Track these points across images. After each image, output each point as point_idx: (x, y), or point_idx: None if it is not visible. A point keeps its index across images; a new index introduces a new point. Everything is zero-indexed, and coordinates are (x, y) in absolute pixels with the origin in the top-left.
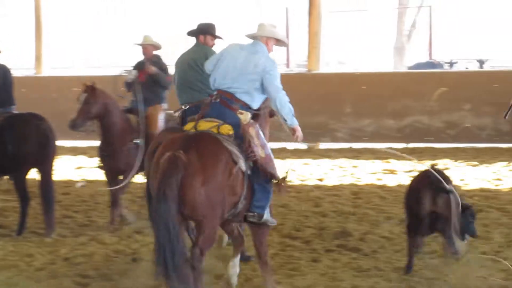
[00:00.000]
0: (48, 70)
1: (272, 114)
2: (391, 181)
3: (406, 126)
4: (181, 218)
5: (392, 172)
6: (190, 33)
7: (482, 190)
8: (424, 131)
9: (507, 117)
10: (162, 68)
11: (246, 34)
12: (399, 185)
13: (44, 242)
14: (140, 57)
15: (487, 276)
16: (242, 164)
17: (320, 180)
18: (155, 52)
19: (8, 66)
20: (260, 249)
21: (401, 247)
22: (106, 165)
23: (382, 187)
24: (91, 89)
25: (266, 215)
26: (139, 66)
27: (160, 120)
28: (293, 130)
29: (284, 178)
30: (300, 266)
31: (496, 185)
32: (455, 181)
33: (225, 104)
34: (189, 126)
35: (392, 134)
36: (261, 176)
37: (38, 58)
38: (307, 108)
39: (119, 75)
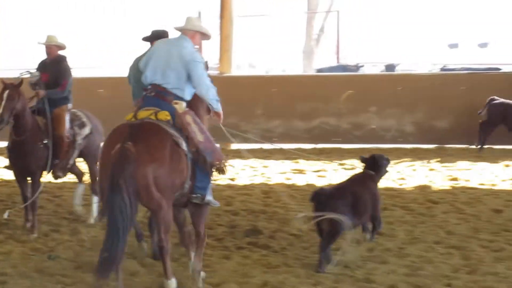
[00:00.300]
0: None
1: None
2: (299, 181)
3: (315, 127)
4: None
5: (301, 171)
6: (145, 39)
7: (387, 189)
8: (332, 132)
9: (482, 113)
10: (63, 69)
11: (175, 26)
12: (308, 185)
13: None
14: (44, 56)
15: (391, 271)
16: (184, 146)
17: (232, 179)
18: (60, 52)
19: None
20: (199, 229)
21: (309, 244)
22: (16, 166)
23: (291, 186)
24: (12, 86)
25: (208, 196)
26: (42, 66)
27: (67, 121)
28: (217, 115)
29: (223, 160)
30: (212, 263)
31: (400, 184)
32: None
33: (159, 96)
34: (129, 116)
35: (301, 135)
36: (201, 159)
37: None
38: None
39: (21, 76)
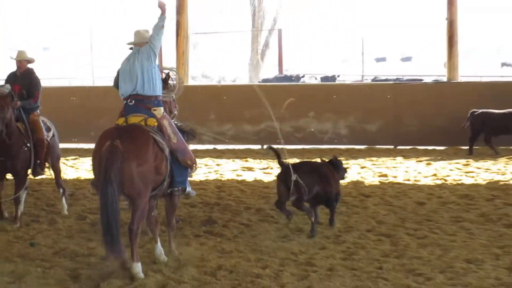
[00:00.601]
0: None
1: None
2: (249, 177)
3: (261, 130)
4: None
5: (250, 169)
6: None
7: None
8: (276, 134)
9: (466, 126)
10: (34, 81)
11: (127, 42)
12: (256, 180)
13: None
14: (13, 69)
15: (330, 256)
16: (166, 150)
17: (190, 176)
18: (28, 66)
19: None
20: (171, 215)
21: (258, 232)
22: (2, 168)
23: (242, 182)
24: (1, 98)
25: (188, 188)
26: (13, 78)
27: (42, 125)
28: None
29: (193, 159)
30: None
31: None
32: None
33: (139, 104)
34: (120, 121)
35: (250, 137)
36: (175, 158)
37: None
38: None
39: None
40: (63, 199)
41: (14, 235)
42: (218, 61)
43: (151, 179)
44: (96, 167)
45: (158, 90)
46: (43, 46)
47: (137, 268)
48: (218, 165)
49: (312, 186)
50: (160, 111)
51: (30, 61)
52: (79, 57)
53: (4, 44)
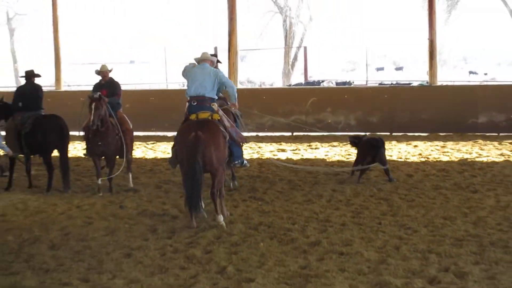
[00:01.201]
0: (64, 87)
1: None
2: (282, 156)
3: (292, 121)
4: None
5: (283, 150)
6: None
7: (339, 161)
8: (302, 124)
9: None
10: (116, 85)
11: (194, 57)
12: (287, 158)
13: (63, 196)
14: (97, 79)
15: (343, 215)
16: (227, 136)
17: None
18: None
19: (40, 85)
20: (220, 184)
21: (288, 197)
22: (96, 149)
23: (277, 160)
24: (97, 99)
25: (245, 162)
26: (99, 87)
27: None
28: (233, 105)
29: (243, 138)
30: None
31: (347, 158)
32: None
33: (200, 103)
34: (193, 117)
35: (283, 126)
36: (231, 138)
37: (57, 79)
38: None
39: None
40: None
41: (108, 200)
42: (259, 70)
43: (223, 157)
44: (183, 151)
45: (215, 95)
46: (130, 59)
47: (220, 218)
48: (259, 147)
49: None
50: (215, 106)
51: (110, 70)
52: (156, 68)
53: (93, 59)
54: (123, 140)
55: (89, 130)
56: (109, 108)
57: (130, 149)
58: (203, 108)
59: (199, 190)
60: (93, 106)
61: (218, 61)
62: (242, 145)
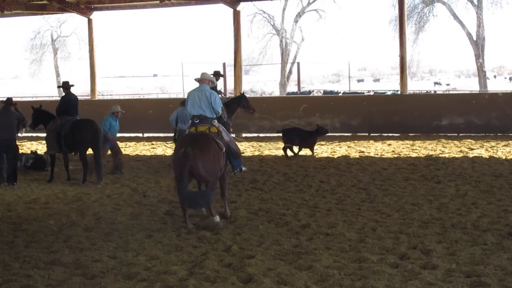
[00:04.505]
0: (98, 97)
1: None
2: (279, 153)
3: (286, 125)
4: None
5: (279, 149)
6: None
7: (325, 157)
8: (296, 126)
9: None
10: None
11: (194, 78)
12: (283, 155)
13: (96, 187)
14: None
15: (328, 202)
16: (224, 148)
17: (242, 153)
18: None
19: (76, 94)
20: (224, 187)
21: (283, 187)
22: None
23: (274, 156)
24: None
25: (243, 168)
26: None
27: None
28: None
29: (239, 152)
30: (231, 198)
31: (332, 154)
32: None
33: (203, 121)
34: (192, 129)
35: (279, 128)
36: (231, 151)
37: (93, 90)
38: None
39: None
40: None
41: (132, 188)
42: (260, 81)
43: (214, 168)
44: (175, 165)
45: (213, 115)
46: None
47: (216, 219)
48: (260, 146)
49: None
50: (216, 123)
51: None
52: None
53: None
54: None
55: None
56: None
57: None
58: (202, 123)
59: (186, 198)
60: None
61: (221, 75)
62: (240, 157)
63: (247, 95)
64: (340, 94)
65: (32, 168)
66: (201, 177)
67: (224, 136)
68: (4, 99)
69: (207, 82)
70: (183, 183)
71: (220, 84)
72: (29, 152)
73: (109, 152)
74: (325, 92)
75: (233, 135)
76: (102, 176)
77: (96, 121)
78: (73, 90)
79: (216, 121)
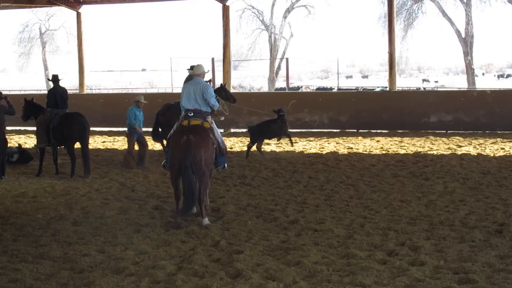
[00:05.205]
0: (87, 91)
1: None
2: (267, 149)
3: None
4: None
5: (268, 144)
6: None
7: (313, 153)
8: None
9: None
10: None
11: (188, 68)
12: (271, 151)
13: (84, 181)
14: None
15: (316, 198)
16: (215, 144)
17: (231, 148)
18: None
19: (66, 88)
20: (206, 188)
21: (272, 183)
22: None
23: (262, 152)
24: None
25: (226, 166)
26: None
27: None
28: (219, 111)
29: (225, 150)
30: (220, 193)
31: (321, 150)
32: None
33: (196, 114)
34: (185, 122)
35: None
36: (219, 147)
37: (81, 84)
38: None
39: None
40: None
41: (120, 183)
42: (249, 77)
43: (210, 160)
44: (175, 154)
45: (208, 108)
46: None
47: (205, 221)
48: (248, 141)
49: None
50: (209, 118)
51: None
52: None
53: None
54: None
55: None
56: None
57: None
58: (196, 117)
59: (195, 192)
60: None
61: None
62: (227, 155)
63: (236, 91)
64: (334, 90)
65: (17, 163)
66: (200, 168)
67: (214, 132)
68: None
69: (202, 76)
70: (187, 172)
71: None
72: (16, 145)
73: (136, 145)
74: (318, 88)
75: (221, 130)
76: (89, 170)
77: (84, 115)
78: (61, 83)
79: (209, 117)
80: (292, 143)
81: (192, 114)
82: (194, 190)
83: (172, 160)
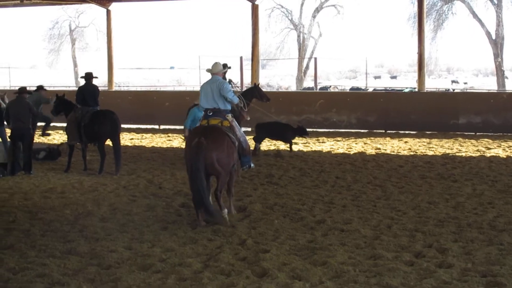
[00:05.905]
0: (115, 88)
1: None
2: (295, 148)
3: (303, 119)
4: (206, 175)
5: (296, 143)
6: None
7: (341, 153)
8: (312, 122)
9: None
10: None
11: (206, 69)
12: (299, 150)
13: (113, 178)
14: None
15: (344, 198)
16: (236, 143)
17: (254, 149)
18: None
19: (97, 85)
20: (231, 184)
21: (299, 182)
22: None
23: (282, 150)
24: None
25: (252, 165)
26: None
27: None
28: (244, 112)
29: (253, 149)
30: (247, 192)
31: (349, 150)
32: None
33: (216, 113)
34: (204, 122)
35: (295, 123)
36: (241, 146)
37: (110, 81)
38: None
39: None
40: None
41: (148, 180)
42: (276, 76)
43: (227, 162)
44: (187, 156)
45: (229, 106)
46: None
47: (224, 213)
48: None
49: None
50: (230, 116)
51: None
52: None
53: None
54: None
55: None
56: None
57: None
58: (215, 116)
59: (204, 193)
60: None
61: (228, 67)
62: (250, 154)
63: (264, 90)
64: (357, 91)
65: (44, 160)
66: (214, 169)
67: (236, 131)
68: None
69: (221, 74)
70: (199, 175)
71: (229, 76)
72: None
73: None
74: (351, 88)
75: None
76: (120, 167)
77: (115, 112)
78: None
79: (229, 115)
80: (291, 150)
81: (211, 113)
82: (203, 194)
83: (186, 162)
